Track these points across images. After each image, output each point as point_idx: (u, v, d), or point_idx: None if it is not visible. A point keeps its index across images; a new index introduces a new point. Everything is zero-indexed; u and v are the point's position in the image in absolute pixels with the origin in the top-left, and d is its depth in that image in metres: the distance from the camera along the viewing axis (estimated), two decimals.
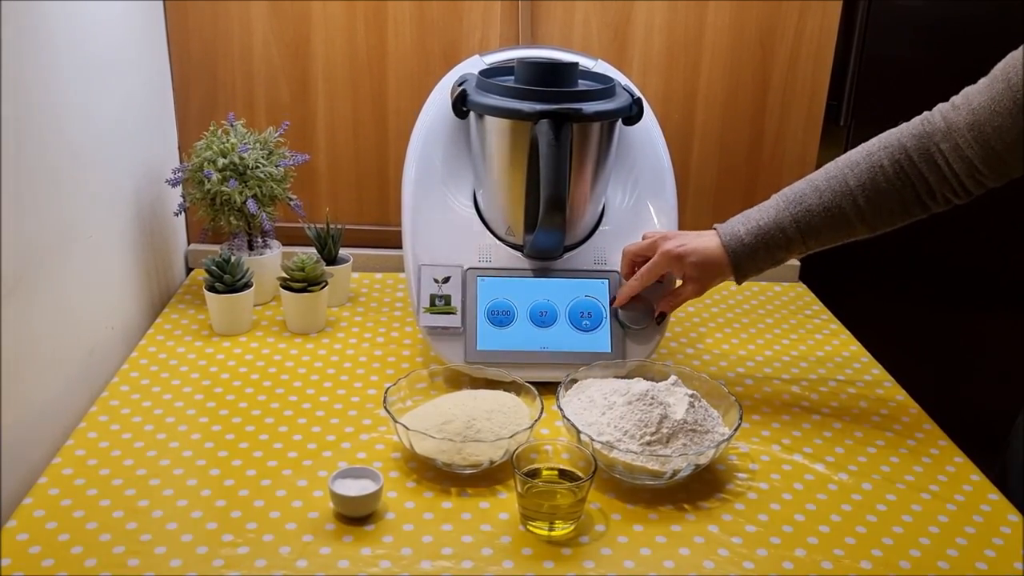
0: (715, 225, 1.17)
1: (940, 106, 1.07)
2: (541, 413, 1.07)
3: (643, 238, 1.22)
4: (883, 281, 1.81)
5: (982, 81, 1.03)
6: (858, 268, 1.79)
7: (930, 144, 1.05)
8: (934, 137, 1.05)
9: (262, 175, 1.37)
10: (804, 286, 1.65)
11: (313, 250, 1.44)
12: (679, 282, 1.21)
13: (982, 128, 1.00)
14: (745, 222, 1.14)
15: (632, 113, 1.21)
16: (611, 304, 1.23)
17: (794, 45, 1.55)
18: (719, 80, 1.56)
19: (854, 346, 1.42)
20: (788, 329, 1.47)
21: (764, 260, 1.13)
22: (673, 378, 1.11)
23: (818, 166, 1.61)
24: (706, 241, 1.15)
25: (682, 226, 1.31)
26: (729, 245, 1.13)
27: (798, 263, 1.67)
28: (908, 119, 1.11)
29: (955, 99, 1.05)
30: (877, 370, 1.34)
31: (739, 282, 1.16)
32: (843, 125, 1.68)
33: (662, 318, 1.23)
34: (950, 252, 1.79)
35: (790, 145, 1.61)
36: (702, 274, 1.16)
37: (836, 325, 1.50)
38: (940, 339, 1.83)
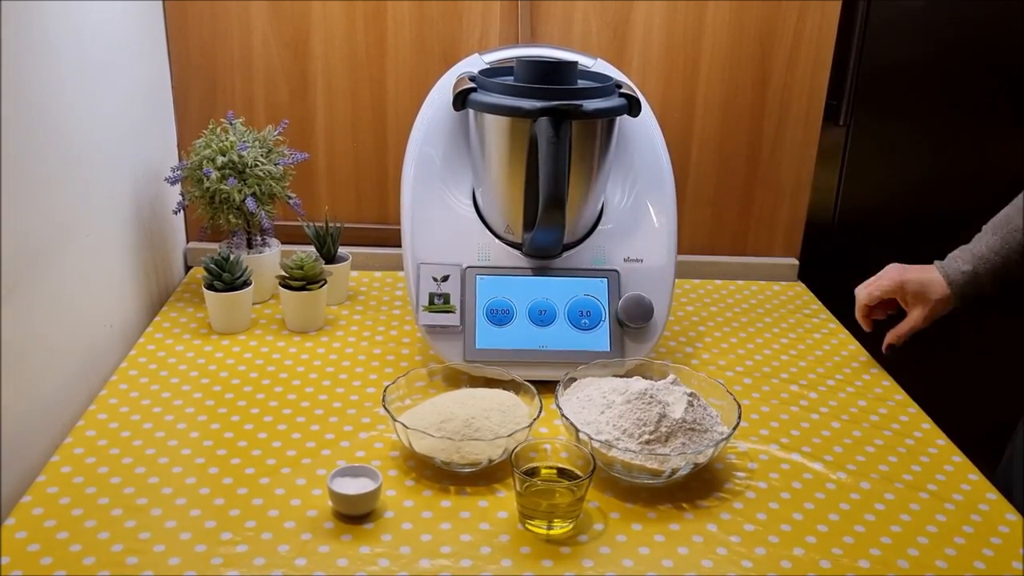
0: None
1: None
2: (540, 412, 1.07)
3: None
4: None
5: None
6: (856, 267, 1.78)
7: None
8: None
9: (261, 173, 1.37)
10: (803, 285, 1.65)
11: (312, 248, 1.44)
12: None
13: None
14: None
15: (631, 112, 1.20)
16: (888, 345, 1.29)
17: (793, 45, 1.55)
18: (718, 79, 1.56)
19: (852, 345, 1.42)
20: (787, 328, 1.47)
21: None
22: (672, 377, 1.11)
23: (817, 165, 1.63)
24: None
25: (682, 229, 1.31)
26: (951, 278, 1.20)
27: (796, 261, 1.67)
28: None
29: None
30: (875, 369, 1.34)
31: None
32: (842, 124, 1.68)
33: (892, 350, 1.29)
34: (949, 249, 1.79)
35: (789, 144, 1.61)
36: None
37: (835, 324, 1.50)
38: (938, 338, 1.83)
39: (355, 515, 0.96)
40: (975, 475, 1.09)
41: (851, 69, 1.64)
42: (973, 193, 1.75)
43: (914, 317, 1.24)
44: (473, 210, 1.28)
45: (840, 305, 1.57)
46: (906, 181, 1.75)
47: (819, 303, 1.58)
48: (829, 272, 1.72)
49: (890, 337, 1.28)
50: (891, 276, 1.25)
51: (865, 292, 1.28)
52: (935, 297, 1.22)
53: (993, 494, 1.06)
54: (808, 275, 1.68)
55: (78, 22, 1.16)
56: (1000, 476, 1.21)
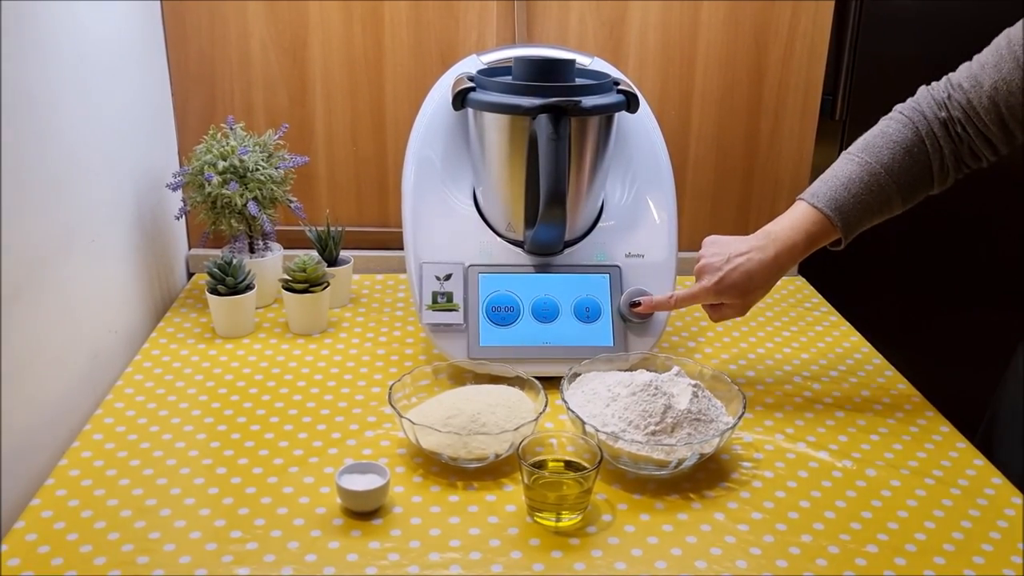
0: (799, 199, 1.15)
1: (951, 91, 1.09)
2: (545, 406, 1.07)
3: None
4: (882, 274, 1.82)
5: (986, 60, 1.05)
6: (856, 262, 1.79)
7: (952, 129, 1.08)
8: (956, 126, 1.08)
9: (262, 177, 1.38)
10: (803, 279, 1.66)
11: (314, 252, 1.44)
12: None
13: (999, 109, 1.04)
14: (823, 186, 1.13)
15: (630, 108, 1.21)
16: (634, 307, 1.23)
17: (788, 41, 1.55)
18: (714, 77, 1.57)
19: (854, 337, 1.43)
20: (788, 321, 1.48)
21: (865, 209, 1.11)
22: (676, 369, 1.11)
23: (814, 160, 1.63)
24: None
25: (681, 225, 1.31)
26: (827, 206, 1.11)
27: None
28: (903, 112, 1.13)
29: (962, 82, 1.07)
30: (878, 359, 1.35)
31: (846, 239, 1.13)
32: (838, 119, 1.69)
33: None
34: (948, 244, 1.80)
35: (786, 140, 1.62)
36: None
37: (836, 317, 1.50)
38: (938, 329, 1.83)
39: (364, 511, 0.97)
40: (980, 460, 1.10)
41: (846, 63, 1.65)
42: (970, 185, 1.76)
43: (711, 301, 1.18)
44: (474, 209, 1.29)
45: (841, 298, 1.58)
46: None
47: (820, 296, 1.58)
48: (829, 266, 1.72)
49: (670, 303, 1.21)
50: (705, 288, 1.16)
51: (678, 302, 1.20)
52: (753, 297, 1.16)
53: (998, 478, 1.06)
54: (808, 269, 1.69)
55: (78, 31, 1.17)
56: (981, 439, 1.22)
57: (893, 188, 1.10)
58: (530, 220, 1.22)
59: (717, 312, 1.19)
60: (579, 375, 1.14)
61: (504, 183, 1.23)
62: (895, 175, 1.09)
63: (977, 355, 1.81)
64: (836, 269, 1.73)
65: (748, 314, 1.48)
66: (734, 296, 1.14)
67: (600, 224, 1.29)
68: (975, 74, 1.06)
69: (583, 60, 1.33)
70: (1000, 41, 1.05)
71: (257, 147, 1.40)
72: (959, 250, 1.80)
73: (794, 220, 1.13)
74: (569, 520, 0.96)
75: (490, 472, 1.04)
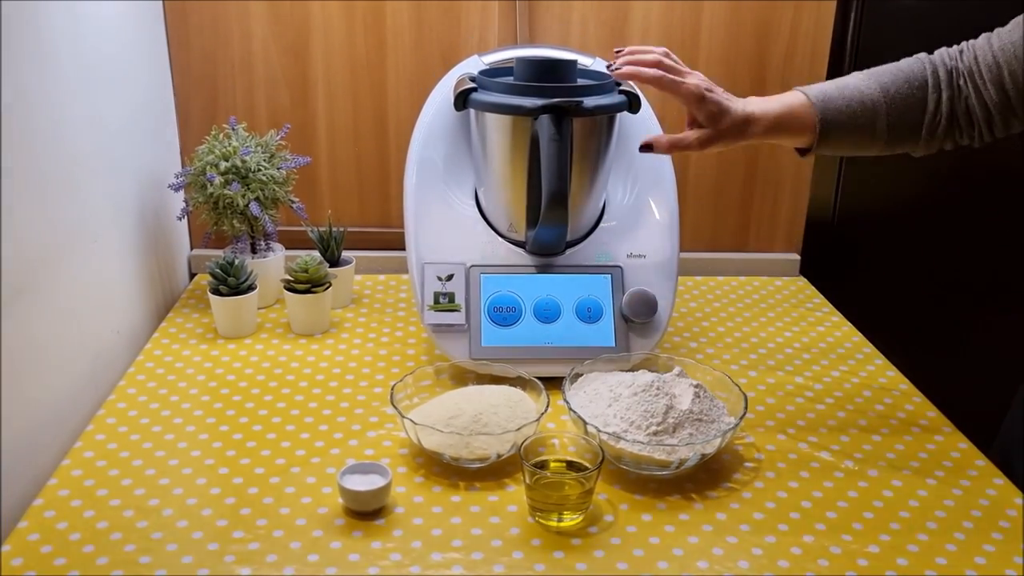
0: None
1: (965, 47, 1.07)
2: (547, 406, 1.07)
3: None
4: (884, 274, 1.82)
5: (1004, 29, 1.04)
6: (858, 261, 1.79)
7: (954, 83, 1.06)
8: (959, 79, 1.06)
9: (264, 178, 1.38)
10: (804, 280, 1.66)
11: (316, 252, 1.44)
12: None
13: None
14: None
15: (631, 108, 1.21)
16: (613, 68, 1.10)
17: (790, 41, 1.55)
18: (716, 77, 1.53)
19: (856, 337, 1.43)
20: (790, 322, 1.48)
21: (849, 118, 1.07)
22: (678, 369, 1.11)
23: (816, 160, 1.63)
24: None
25: (683, 226, 1.30)
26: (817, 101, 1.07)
27: (797, 256, 1.68)
28: None
29: (978, 41, 1.06)
30: (880, 360, 1.35)
31: (819, 140, 1.08)
32: None
33: (648, 148, 1.12)
34: (953, 243, 1.79)
35: None
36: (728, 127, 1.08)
37: (838, 317, 1.50)
38: (941, 329, 1.83)
39: (366, 511, 0.97)
40: (981, 460, 1.10)
41: (847, 64, 1.65)
42: (972, 185, 1.76)
43: (692, 140, 1.09)
44: (476, 209, 1.29)
45: (843, 299, 1.58)
46: (905, 174, 1.76)
47: (821, 297, 1.58)
48: (830, 267, 1.72)
49: (662, 145, 1.10)
50: (696, 86, 1.07)
51: (658, 78, 1.07)
52: (722, 128, 1.08)
53: (1000, 479, 1.06)
54: (810, 270, 1.69)
55: (80, 31, 1.17)
56: (997, 451, 1.21)
57: (883, 109, 1.06)
58: (532, 220, 1.22)
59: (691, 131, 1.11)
60: (581, 375, 1.14)
61: (506, 183, 1.23)
62: (889, 97, 1.06)
63: (980, 355, 1.82)
64: (838, 269, 1.74)
65: (749, 315, 1.49)
66: (712, 116, 1.07)
67: (602, 224, 1.29)
68: (990, 37, 1.05)
69: (585, 60, 1.33)
70: (1020, 19, 1.04)
71: (259, 147, 1.40)
72: (964, 250, 1.80)
73: (778, 96, 1.10)
74: (571, 520, 0.96)
75: (492, 472, 1.04)
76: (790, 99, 1.09)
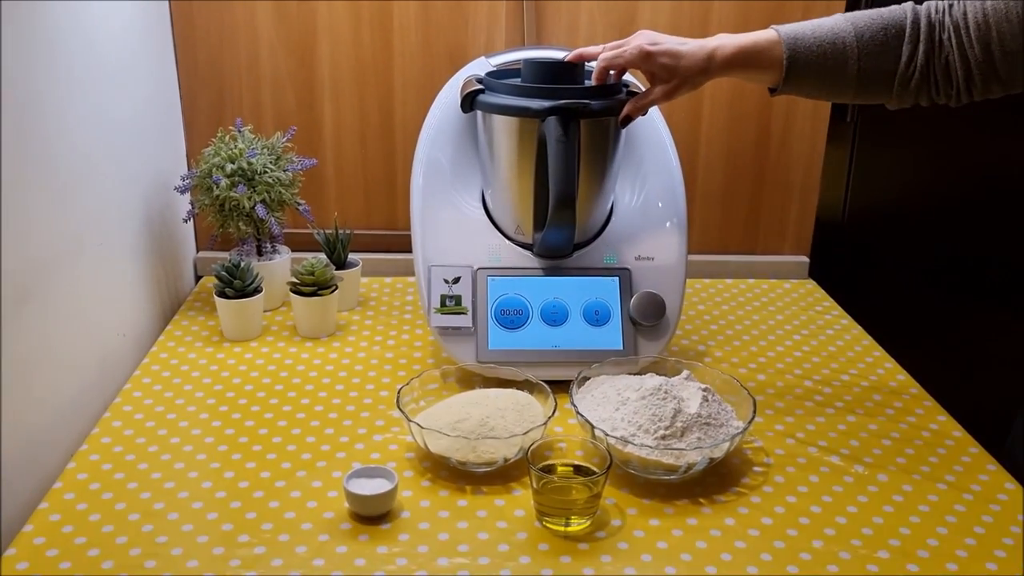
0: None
1: (956, 2, 1.04)
2: (554, 410, 1.07)
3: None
4: (892, 276, 1.81)
5: None
6: (867, 264, 1.79)
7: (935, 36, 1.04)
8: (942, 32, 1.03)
9: (270, 180, 1.37)
10: (814, 283, 1.65)
11: (322, 255, 1.44)
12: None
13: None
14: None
15: None
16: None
17: None
18: (724, 79, 1.56)
19: (866, 340, 1.42)
20: (799, 325, 1.47)
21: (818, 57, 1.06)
22: (686, 373, 1.11)
23: (825, 163, 1.62)
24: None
25: (691, 228, 1.29)
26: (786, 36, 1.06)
27: (806, 259, 1.67)
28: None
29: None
30: (890, 364, 1.34)
31: (785, 78, 1.07)
32: (849, 121, 1.68)
33: (627, 121, 1.16)
34: (961, 246, 1.78)
35: (796, 142, 1.61)
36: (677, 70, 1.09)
37: (847, 321, 1.49)
38: (951, 332, 1.82)
39: (372, 516, 0.96)
40: (992, 465, 1.09)
41: None
42: (981, 187, 1.76)
43: (656, 92, 1.12)
44: (483, 212, 1.28)
45: (852, 302, 1.57)
46: (914, 176, 1.75)
47: (831, 300, 1.57)
48: (839, 269, 1.71)
49: (628, 108, 1.14)
50: (638, 47, 1.09)
51: (606, 60, 1.13)
52: (682, 72, 1.09)
53: (1011, 484, 1.05)
54: (818, 273, 1.68)
55: (86, 33, 1.17)
56: (1007, 454, 1.20)
57: (854, 53, 1.04)
58: (539, 223, 1.22)
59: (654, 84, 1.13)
60: (588, 379, 1.14)
61: (513, 186, 1.22)
62: (863, 42, 1.04)
63: (990, 358, 1.80)
64: (848, 272, 1.73)
65: (758, 318, 1.48)
66: (664, 59, 1.09)
67: (610, 227, 1.28)
68: None
69: (593, 63, 1.32)
70: None
71: (265, 150, 1.39)
72: (974, 253, 1.79)
73: (750, 32, 1.09)
74: (578, 525, 0.95)
75: (499, 476, 1.04)
76: (760, 35, 1.08)
